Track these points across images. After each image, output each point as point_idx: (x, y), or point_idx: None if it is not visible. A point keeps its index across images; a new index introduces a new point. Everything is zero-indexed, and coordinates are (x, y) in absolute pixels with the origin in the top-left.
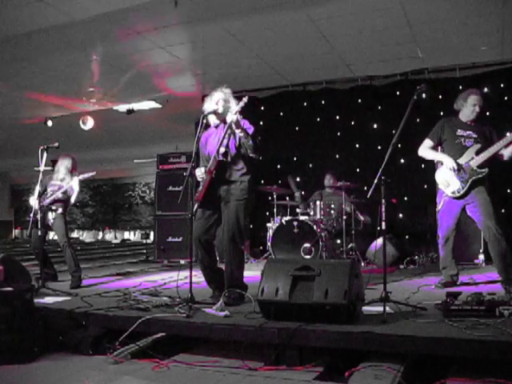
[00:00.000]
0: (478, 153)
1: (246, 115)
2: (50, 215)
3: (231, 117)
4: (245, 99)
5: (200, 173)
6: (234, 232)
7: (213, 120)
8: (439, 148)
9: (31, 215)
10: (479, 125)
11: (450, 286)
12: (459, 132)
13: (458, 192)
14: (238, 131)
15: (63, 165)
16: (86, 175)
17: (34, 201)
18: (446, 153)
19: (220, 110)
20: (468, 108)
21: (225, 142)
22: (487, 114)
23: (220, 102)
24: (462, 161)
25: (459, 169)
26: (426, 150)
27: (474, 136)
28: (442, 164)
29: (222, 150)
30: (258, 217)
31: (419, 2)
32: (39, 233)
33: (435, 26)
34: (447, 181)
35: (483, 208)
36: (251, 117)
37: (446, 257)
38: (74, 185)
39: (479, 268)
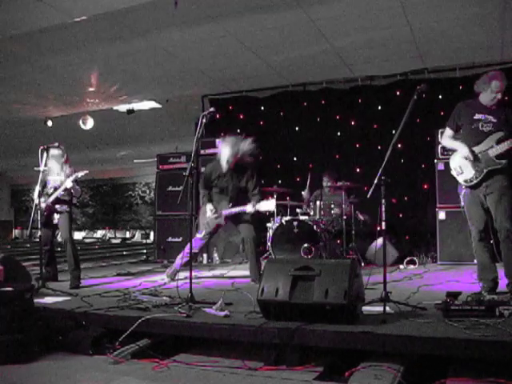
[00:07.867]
0: (499, 141)
1: (246, 115)
2: (56, 215)
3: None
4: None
5: (210, 213)
6: (255, 236)
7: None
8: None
9: (32, 214)
10: (501, 109)
11: (494, 290)
12: (477, 116)
13: (471, 181)
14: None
15: (54, 158)
16: (80, 174)
17: (37, 200)
18: (462, 138)
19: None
20: (488, 94)
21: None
22: None
23: (230, 159)
24: (479, 148)
25: (475, 158)
26: (445, 140)
27: (494, 121)
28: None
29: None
30: (258, 217)
31: (419, 2)
32: (39, 233)
33: (435, 26)
34: (461, 167)
35: (498, 205)
36: (251, 117)
37: (481, 257)
38: (67, 185)
39: None
